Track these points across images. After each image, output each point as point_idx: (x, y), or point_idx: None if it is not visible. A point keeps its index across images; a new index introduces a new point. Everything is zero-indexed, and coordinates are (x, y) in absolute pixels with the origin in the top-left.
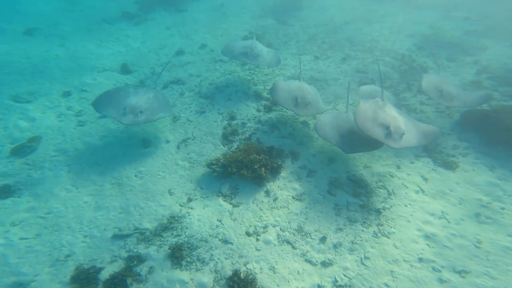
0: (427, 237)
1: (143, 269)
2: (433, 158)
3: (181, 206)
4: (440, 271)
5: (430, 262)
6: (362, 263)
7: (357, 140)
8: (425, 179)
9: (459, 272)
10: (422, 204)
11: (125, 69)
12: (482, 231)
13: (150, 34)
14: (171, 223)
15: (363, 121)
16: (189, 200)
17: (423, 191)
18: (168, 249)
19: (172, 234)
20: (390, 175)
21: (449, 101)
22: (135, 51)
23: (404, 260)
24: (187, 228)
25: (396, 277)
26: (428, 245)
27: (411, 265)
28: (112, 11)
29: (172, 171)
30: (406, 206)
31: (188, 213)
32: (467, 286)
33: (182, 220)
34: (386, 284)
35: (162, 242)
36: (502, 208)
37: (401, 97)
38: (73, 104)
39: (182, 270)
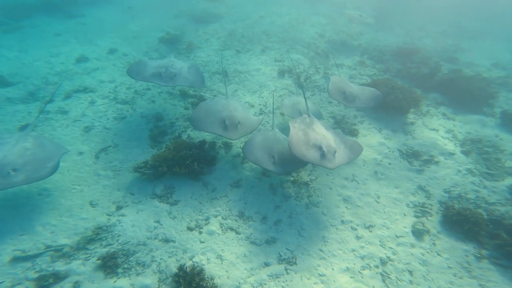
0: (345, 200)
1: (64, 285)
2: (342, 128)
3: (109, 215)
4: (356, 229)
5: (349, 223)
6: (300, 235)
7: (288, 159)
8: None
9: (368, 228)
10: (339, 170)
11: (1, 81)
12: (380, 187)
13: (31, 42)
14: (97, 234)
15: (297, 148)
16: (119, 208)
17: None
18: (98, 260)
19: (101, 245)
20: None
21: (352, 103)
22: (13, 61)
23: (331, 225)
24: (119, 235)
25: (327, 241)
26: (346, 207)
27: (337, 228)
28: None
29: (92, 182)
30: (327, 175)
31: (119, 220)
32: (374, 238)
33: (112, 229)
34: (320, 249)
35: (88, 255)
36: (390, 164)
37: (312, 80)
38: None
39: (120, 278)
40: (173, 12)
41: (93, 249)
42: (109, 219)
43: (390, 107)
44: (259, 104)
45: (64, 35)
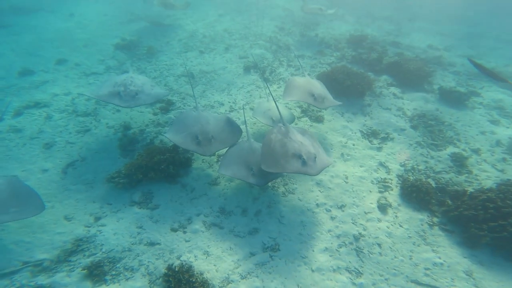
0: (317, 184)
1: None
2: (309, 116)
3: (88, 227)
4: (330, 210)
5: (323, 205)
6: (280, 222)
7: None
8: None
9: (340, 207)
10: None
11: None
12: (347, 168)
13: None
14: (78, 246)
15: (276, 161)
16: (97, 218)
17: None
18: (82, 270)
19: (84, 255)
20: None
21: (322, 103)
22: None
23: (307, 209)
24: (102, 244)
25: (305, 225)
26: (319, 190)
27: (313, 212)
28: None
29: (63, 197)
30: None
31: (100, 231)
32: (346, 217)
33: (94, 239)
34: (300, 234)
35: (72, 266)
36: (353, 144)
37: (277, 73)
38: None
39: (109, 285)
40: (124, 18)
41: (76, 260)
42: (89, 231)
43: (348, 92)
44: (229, 102)
45: None
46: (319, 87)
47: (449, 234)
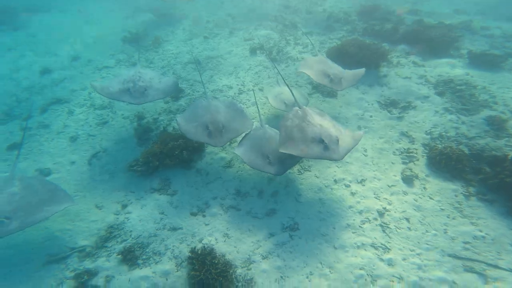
0: None
1: (99, 280)
2: (321, 92)
3: (117, 214)
4: (349, 186)
5: (342, 181)
6: (297, 201)
7: (283, 156)
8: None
9: (360, 182)
10: None
11: None
12: (365, 140)
13: None
14: (111, 233)
15: (296, 149)
16: (124, 206)
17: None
18: (118, 255)
19: (117, 241)
20: None
21: (339, 85)
22: None
23: (325, 186)
24: (131, 231)
25: (324, 203)
26: (337, 166)
27: (331, 188)
28: None
29: (91, 188)
30: None
31: (127, 218)
32: (368, 192)
33: (123, 226)
34: (319, 211)
35: (109, 252)
36: (371, 116)
37: (284, 52)
38: None
39: (142, 268)
40: (128, 12)
41: (111, 246)
42: (118, 218)
43: (362, 65)
44: (237, 85)
45: (17, 48)
46: (334, 67)
47: (489, 204)
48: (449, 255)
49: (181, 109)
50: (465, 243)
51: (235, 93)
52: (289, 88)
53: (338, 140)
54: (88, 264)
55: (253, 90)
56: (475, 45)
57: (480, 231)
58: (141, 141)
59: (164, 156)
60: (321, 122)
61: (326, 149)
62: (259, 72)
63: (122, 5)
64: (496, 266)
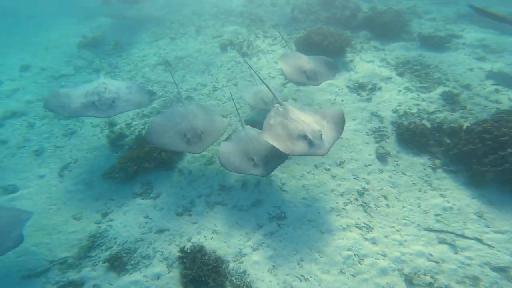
0: None
1: None
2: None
3: (98, 223)
4: (330, 169)
5: (322, 165)
6: (282, 190)
7: (268, 156)
8: (295, 99)
9: (339, 164)
10: None
11: None
12: None
13: None
14: (94, 242)
15: (284, 146)
16: (104, 214)
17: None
18: (104, 263)
19: (102, 250)
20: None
21: (315, 80)
22: None
23: (306, 172)
24: (116, 238)
25: (307, 189)
26: None
27: (313, 174)
28: None
29: (66, 199)
30: None
31: (110, 225)
32: (347, 174)
33: (107, 234)
34: (303, 198)
35: (94, 261)
36: (342, 100)
37: (254, 46)
38: None
39: (131, 273)
40: (82, 16)
41: (96, 255)
42: (99, 226)
43: (328, 52)
44: (211, 82)
45: None
46: (309, 62)
47: (454, 175)
48: (425, 229)
49: (155, 110)
50: (437, 215)
51: (209, 91)
52: (267, 86)
53: (321, 135)
54: (72, 275)
55: (231, 94)
56: (423, 28)
57: (448, 202)
58: (115, 147)
59: (142, 160)
60: (303, 118)
61: (311, 145)
62: (231, 68)
63: (73, 10)
64: (463, 236)
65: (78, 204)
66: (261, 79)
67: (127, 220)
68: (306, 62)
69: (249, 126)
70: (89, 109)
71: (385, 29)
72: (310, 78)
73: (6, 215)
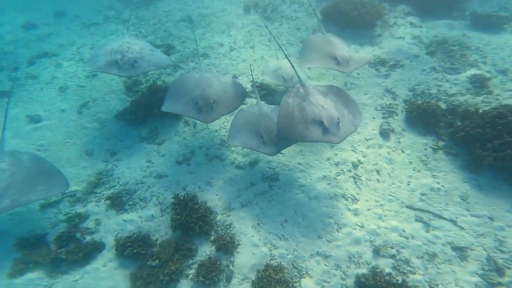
0: None
1: (89, 223)
2: None
3: (106, 162)
4: None
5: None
6: (280, 153)
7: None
8: (309, 68)
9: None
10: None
11: None
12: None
13: None
14: (100, 179)
15: (294, 128)
16: (113, 154)
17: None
18: (106, 200)
19: (106, 188)
20: None
21: (347, 67)
22: None
23: None
24: (119, 178)
25: (304, 154)
26: None
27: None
28: None
29: (82, 135)
30: None
31: (116, 165)
32: (346, 145)
33: (112, 173)
34: (299, 163)
35: (98, 197)
36: (358, 74)
37: (279, 10)
38: None
39: (129, 213)
40: None
41: (100, 192)
42: (107, 165)
43: (356, 24)
44: (228, 42)
45: None
46: (341, 47)
47: (454, 158)
48: (407, 206)
49: (171, 64)
50: (422, 194)
51: (226, 50)
52: (291, 64)
53: (339, 123)
54: (79, 209)
55: (250, 65)
56: (484, 7)
57: (438, 183)
58: (131, 93)
59: (152, 106)
60: (323, 103)
61: (325, 131)
62: (251, 31)
63: None
64: (441, 217)
65: (92, 141)
66: (285, 55)
67: (132, 163)
68: (338, 48)
69: (263, 103)
70: (112, 67)
71: (432, 4)
72: (342, 64)
73: (34, 165)
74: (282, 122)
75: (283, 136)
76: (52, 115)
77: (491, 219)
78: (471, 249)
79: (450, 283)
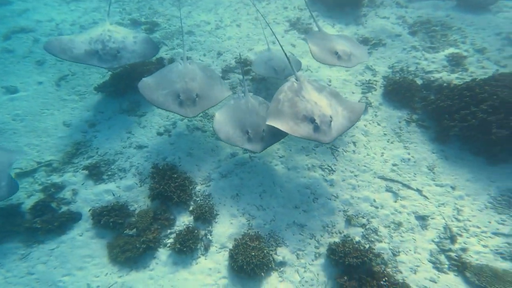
0: None
1: (66, 193)
2: (297, 29)
3: (84, 132)
4: None
5: None
6: None
7: (266, 131)
8: (293, 46)
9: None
10: None
11: None
12: (331, 72)
13: None
14: (78, 149)
15: (284, 123)
16: (92, 125)
17: (294, 54)
18: (84, 170)
19: (84, 158)
20: None
21: (348, 62)
22: None
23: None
24: (98, 148)
25: None
26: None
27: None
28: None
29: (60, 106)
30: None
31: (95, 136)
32: None
33: (90, 144)
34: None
35: (75, 167)
36: None
37: None
38: None
39: (107, 183)
40: None
41: (78, 162)
42: (85, 136)
43: (342, 3)
44: (215, 21)
45: None
46: (341, 42)
47: (425, 130)
48: (379, 177)
49: (155, 41)
50: (394, 165)
51: (211, 28)
52: (286, 57)
53: (331, 121)
54: (56, 179)
55: (239, 54)
56: None
57: (409, 154)
58: (113, 68)
59: (133, 79)
60: (316, 99)
61: (316, 129)
62: (238, 9)
63: None
64: (408, 186)
65: (70, 112)
66: (282, 48)
67: (111, 133)
68: (338, 42)
69: (251, 94)
70: (92, 58)
71: None
72: (343, 59)
73: None
74: (272, 115)
75: (271, 123)
76: (29, 87)
77: (453, 188)
78: (432, 218)
79: (410, 250)
